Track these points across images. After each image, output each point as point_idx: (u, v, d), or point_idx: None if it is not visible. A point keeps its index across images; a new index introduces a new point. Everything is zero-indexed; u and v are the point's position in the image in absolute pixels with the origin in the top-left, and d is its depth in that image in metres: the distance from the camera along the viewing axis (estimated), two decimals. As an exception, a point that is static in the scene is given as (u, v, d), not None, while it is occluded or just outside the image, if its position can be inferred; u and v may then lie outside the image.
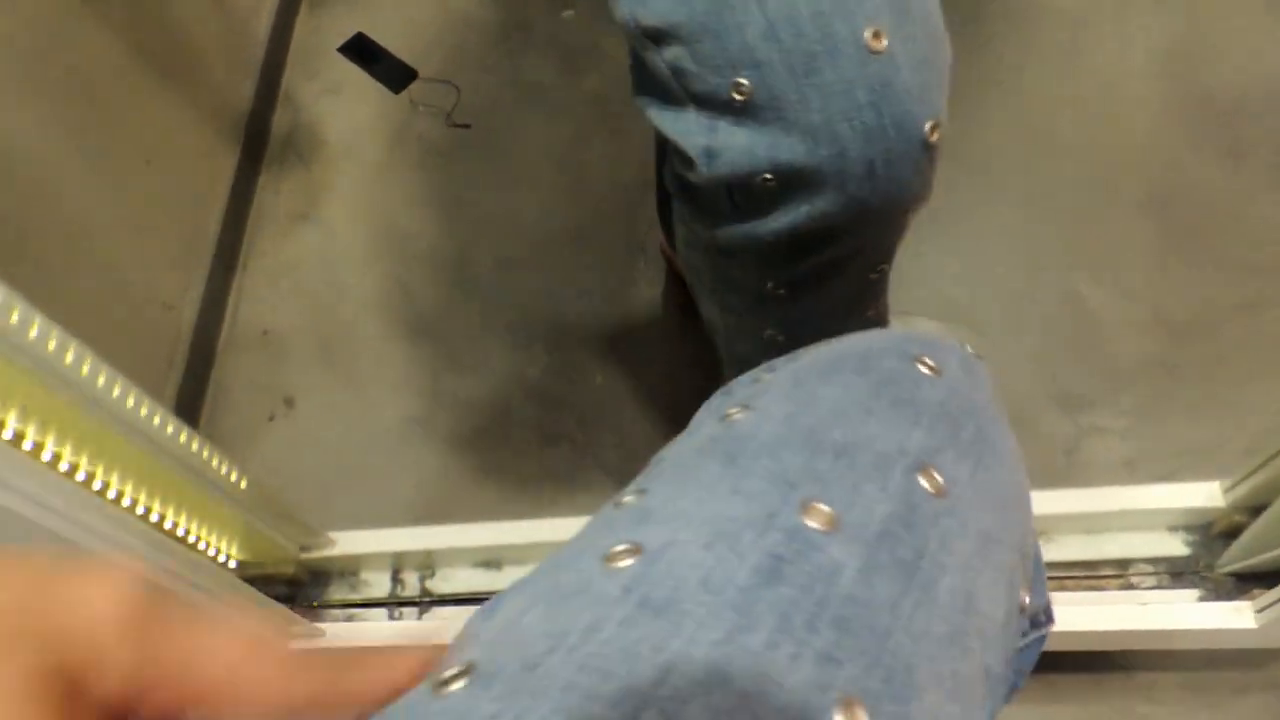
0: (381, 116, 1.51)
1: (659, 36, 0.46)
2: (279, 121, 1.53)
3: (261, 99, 1.51)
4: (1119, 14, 1.43)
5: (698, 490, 0.32)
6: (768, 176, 0.47)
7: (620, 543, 0.30)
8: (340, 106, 1.53)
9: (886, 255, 0.57)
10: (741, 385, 0.39)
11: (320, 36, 1.60)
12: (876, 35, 0.43)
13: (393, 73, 1.54)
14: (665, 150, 0.59)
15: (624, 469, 1.18)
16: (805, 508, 0.29)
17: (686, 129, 0.48)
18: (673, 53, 0.46)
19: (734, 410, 0.36)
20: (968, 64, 1.42)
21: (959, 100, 1.40)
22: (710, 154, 0.47)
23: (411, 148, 1.48)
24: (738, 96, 0.45)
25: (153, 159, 1.26)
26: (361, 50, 1.57)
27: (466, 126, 1.48)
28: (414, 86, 1.53)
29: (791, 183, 0.47)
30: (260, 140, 1.50)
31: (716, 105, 0.46)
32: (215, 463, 0.82)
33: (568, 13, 1.54)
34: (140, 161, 1.24)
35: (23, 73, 1.04)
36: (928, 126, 0.46)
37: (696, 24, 0.44)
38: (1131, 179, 1.31)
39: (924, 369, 0.37)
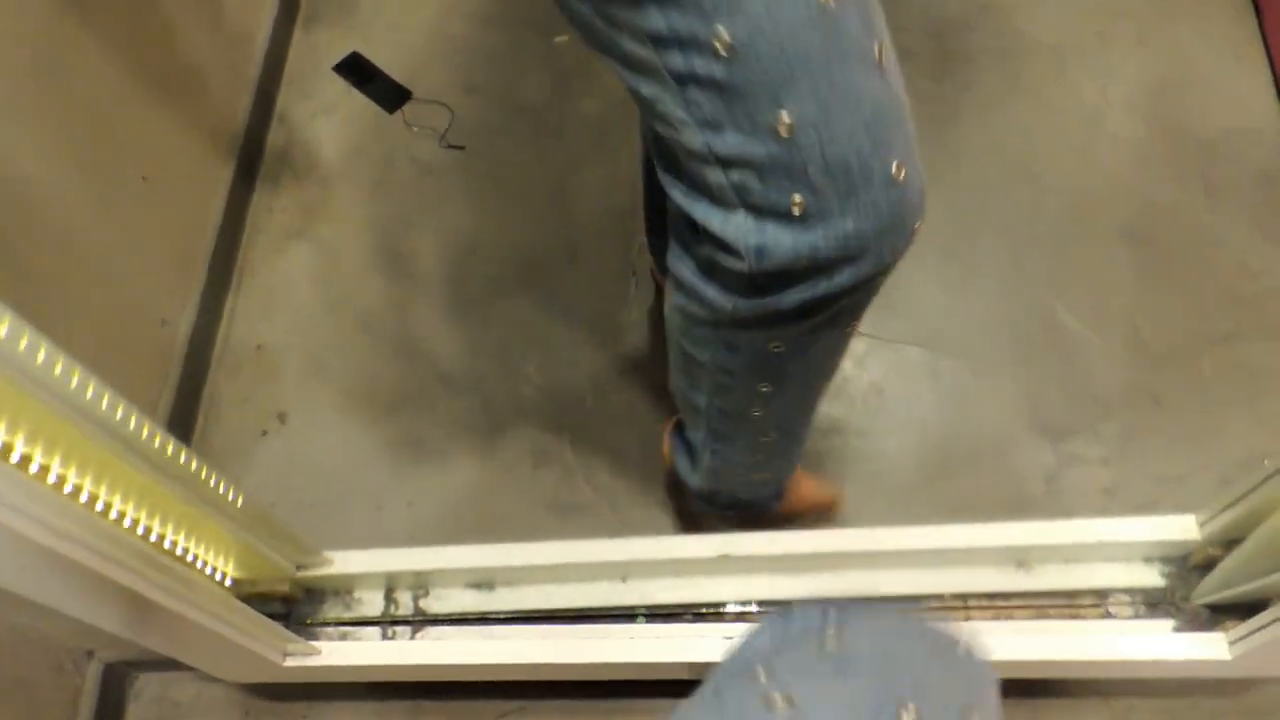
0: (375, 136, 1.53)
1: (729, 163, 0.56)
2: (274, 140, 1.54)
3: (257, 117, 1.52)
4: (1101, 51, 1.47)
5: None
6: (803, 266, 0.59)
7: None
8: (334, 126, 1.55)
9: (863, 311, 0.70)
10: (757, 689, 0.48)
11: (315, 56, 1.61)
12: (899, 168, 0.56)
13: (387, 93, 1.56)
14: (655, 196, 0.64)
15: (614, 490, 1.20)
16: None
17: (737, 228, 0.59)
18: (740, 175, 0.56)
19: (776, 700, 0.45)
20: (954, 98, 1.45)
21: (946, 132, 1.44)
22: (761, 251, 0.58)
23: (405, 168, 1.49)
24: (794, 211, 0.56)
25: (149, 176, 1.27)
26: (356, 70, 1.58)
27: (460, 148, 1.50)
28: (408, 107, 1.55)
29: (819, 268, 0.59)
30: (255, 158, 1.51)
31: (770, 214, 0.57)
32: (212, 481, 0.83)
33: (560, 38, 1.57)
34: (137, 179, 1.25)
35: (21, 91, 1.05)
36: (918, 225, 0.60)
37: (771, 160, 0.55)
38: (1112, 211, 1.34)
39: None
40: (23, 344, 0.62)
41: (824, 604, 0.51)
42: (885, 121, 0.56)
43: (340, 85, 1.57)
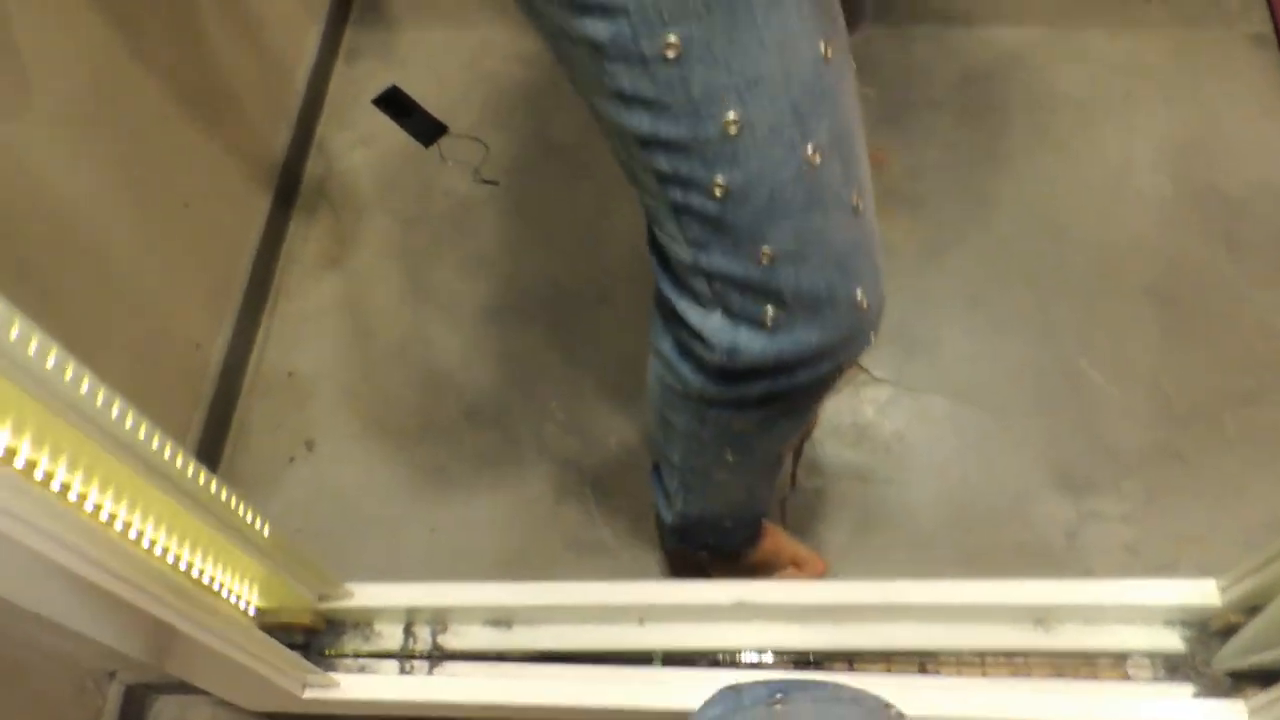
0: (411, 169, 1.55)
1: (712, 276, 0.62)
2: (312, 170, 1.57)
3: (296, 147, 1.55)
4: (1128, 108, 1.48)
5: None
6: (768, 366, 0.66)
7: None
8: (372, 157, 1.58)
9: (822, 401, 0.78)
10: None
11: (355, 88, 1.64)
12: (863, 295, 0.63)
13: (424, 127, 1.59)
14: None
15: (634, 531, 1.21)
16: None
17: (714, 327, 0.65)
18: (721, 286, 0.63)
19: None
20: (983, 147, 1.46)
21: (974, 181, 1.45)
22: (733, 350, 0.65)
23: (439, 201, 1.52)
24: (766, 322, 0.63)
25: (190, 202, 1.29)
26: (395, 103, 1.61)
27: (494, 183, 1.52)
28: (444, 141, 1.58)
29: (783, 368, 0.66)
30: (293, 187, 1.54)
31: (744, 320, 0.64)
32: (240, 510, 0.85)
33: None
34: (178, 205, 1.27)
35: (79, 114, 1.07)
36: (873, 337, 0.68)
37: (750, 281, 0.61)
38: (1137, 267, 1.35)
39: None
40: (68, 374, 0.64)
41: (770, 683, 0.57)
42: (855, 257, 0.63)
43: (379, 118, 1.60)
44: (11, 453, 0.62)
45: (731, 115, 0.54)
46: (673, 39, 0.52)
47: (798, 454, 1.25)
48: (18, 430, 0.63)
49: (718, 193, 0.58)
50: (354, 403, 1.35)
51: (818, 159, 0.57)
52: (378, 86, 1.62)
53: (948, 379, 1.29)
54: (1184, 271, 1.34)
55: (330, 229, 1.51)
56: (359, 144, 1.59)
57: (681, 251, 0.63)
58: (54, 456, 0.66)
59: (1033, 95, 1.51)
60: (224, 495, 0.82)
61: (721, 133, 0.55)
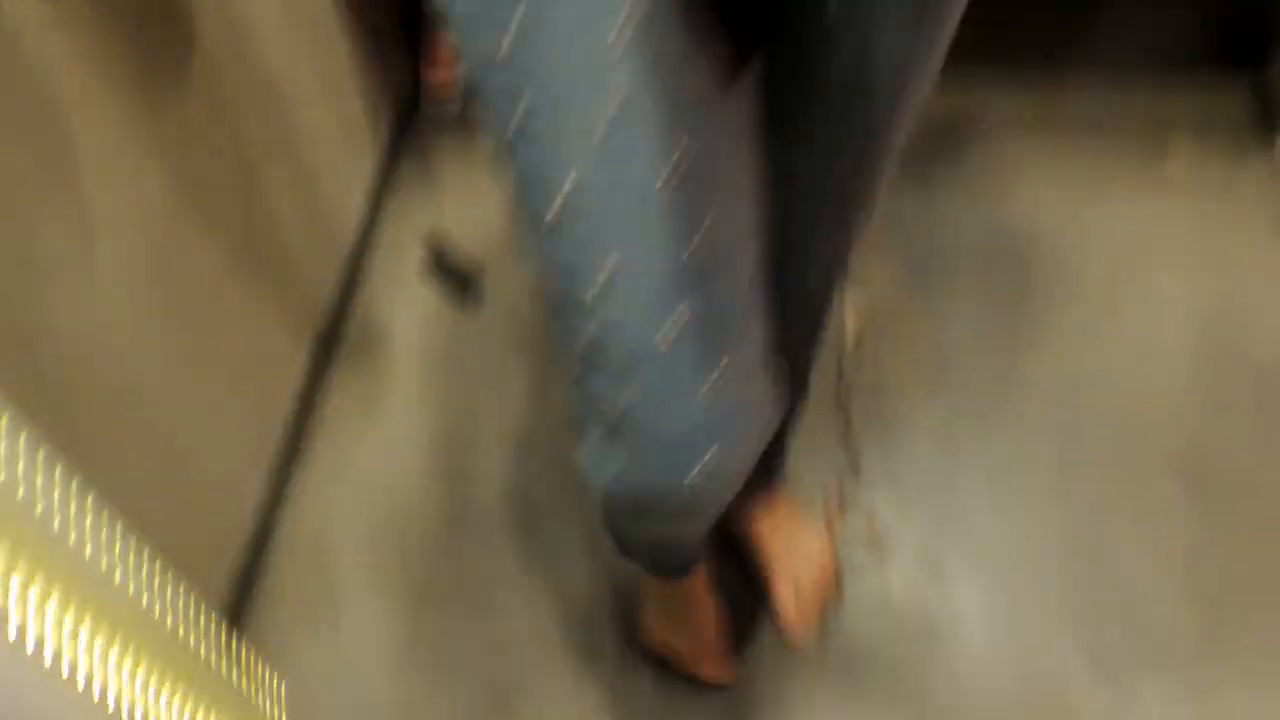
0: (451, 330, 1.59)
1: (584, 399, 0.70)
2: (353, 328, 1.60)
3: (339, 299, 1.59)
4: (1155, 274, 1.52)
5: None
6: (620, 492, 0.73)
7: None
8: (413, 312, 1.61)
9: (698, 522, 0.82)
10: None
11: (398, 248, 1.69)
12: (709, 459, 0.67)
13: (465, 286, 1.63)
14: None
15: (661, 708, 1.18)
16: None
17: (581, 431, 0.73)
18: (588, 409, 0.70)
19: None
20: (1007, 323, 1.49)
21: (999, 356, 1.46)
22: (590, 464, 0.73)
23: (474, 362, 1.55)
24: (620, 452, 0.69)
25: (231, 357, 1.32)
26: (437, 266, 1.66)
27: (532, 329, 1.55)
28: (484, 296, 1.62)
29: (638, 498, 0.73)
30: (334, 339, 1.57)
31: (603, 441, 0.70)
32: (264, 679, 0.84)
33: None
34: (219, 359, 1.29)
35: (130, 269, 1.09)
36: (726, 497, 0.74)
37: (610, 417, 0.68)
38: (1165, 439, 1.35)
39: None
40: (117, 549, 0.65)
41: None
42: (707, 426, 0.68)
43: (420, 279, 1.64)
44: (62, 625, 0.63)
45: (599, 277, 0.62)
46: (557, 204, 0.61)
47: (822, 625, 1.23)
48: (63, 604, 0.64)
49: (584, 339, 0.66)
50: (378, 571, 1.34)
51: (672, 335, 0.64)
52: (421, 236, 1.66)
53: (973, 554, 1.27)
54: (1212, 441, 1.34)
55: (367, 388, 1.54)
56: (401, 298, 1.63)
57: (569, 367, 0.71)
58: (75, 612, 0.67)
59: (1057, 269, 1.54)
60: (246, 661, 0.82)
61: (586, 289, 0.63)
